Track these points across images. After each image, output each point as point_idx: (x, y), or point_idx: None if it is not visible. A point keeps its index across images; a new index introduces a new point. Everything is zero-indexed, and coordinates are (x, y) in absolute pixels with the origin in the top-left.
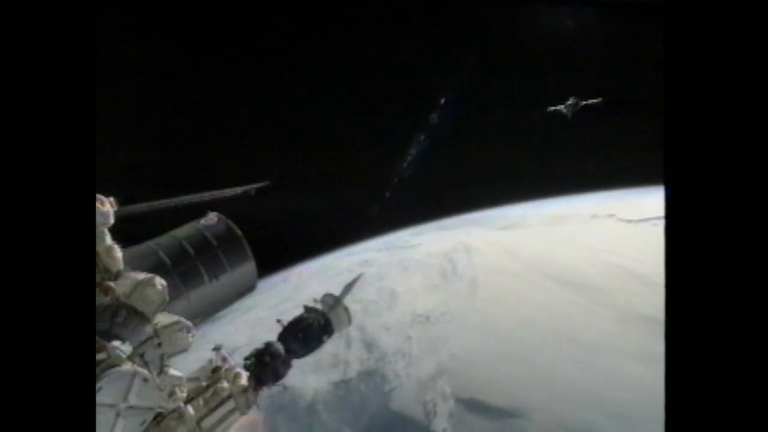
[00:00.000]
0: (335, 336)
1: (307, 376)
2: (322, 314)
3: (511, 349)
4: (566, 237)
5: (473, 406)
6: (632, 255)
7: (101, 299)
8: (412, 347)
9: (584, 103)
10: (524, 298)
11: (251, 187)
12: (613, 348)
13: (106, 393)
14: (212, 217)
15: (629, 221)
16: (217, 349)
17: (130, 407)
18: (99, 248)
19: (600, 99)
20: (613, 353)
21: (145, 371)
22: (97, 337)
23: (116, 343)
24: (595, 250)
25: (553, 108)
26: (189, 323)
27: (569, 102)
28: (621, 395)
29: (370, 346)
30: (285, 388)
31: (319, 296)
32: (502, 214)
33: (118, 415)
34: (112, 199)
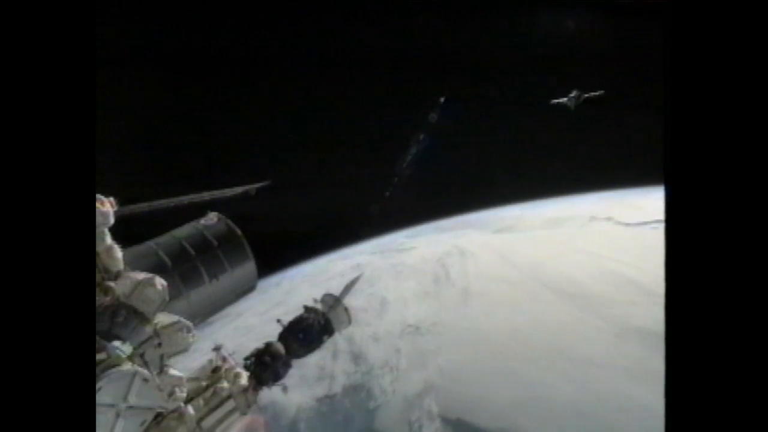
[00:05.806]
0: (334, 337)
1: (291, 390)
2: (322, 314)
3: (502, 364)
4: (563, 241)
5: (460, 427)
6: (631, 262)
7: (101, 299)
8: (401, 360)
9: (587, 95)
10: (518, 308)
11: (251, 187)
12: (610, 364)
13: (106, 393)
14: (212, 217)
15: (628, 224)
16: (217, 349)
17: (130, 407)
18: (99, 248)
19: (603, 92)
20: (610, 370)
21: (145, 371)
22: (97, 337)
23: (116, 343)
24: (593, 256)
25: (556, 101)
26: (189, 323)
27: (572, 95)
28: (618, 416)
29: (357, 358)
30: (285, 388)
31: (318, 297)
32: (499, 215)
33: (118, 415)
34: (112, 199)
